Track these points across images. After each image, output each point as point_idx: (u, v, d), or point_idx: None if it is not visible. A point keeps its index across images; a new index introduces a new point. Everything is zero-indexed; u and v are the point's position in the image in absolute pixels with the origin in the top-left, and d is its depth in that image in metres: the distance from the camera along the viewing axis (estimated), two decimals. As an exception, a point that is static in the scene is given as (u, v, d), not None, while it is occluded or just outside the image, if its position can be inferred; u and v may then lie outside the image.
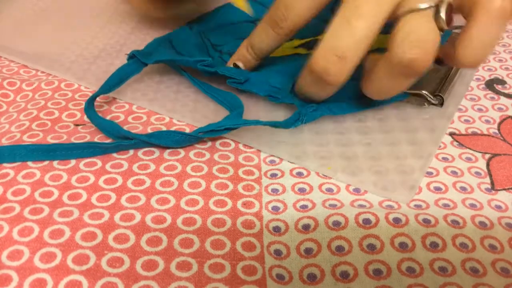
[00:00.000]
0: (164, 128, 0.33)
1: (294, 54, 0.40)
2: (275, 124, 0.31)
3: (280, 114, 0.34)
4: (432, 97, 0.34)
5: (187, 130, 0.33)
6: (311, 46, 0.41)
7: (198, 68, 0.35)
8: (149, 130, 0.33)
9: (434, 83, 0.35)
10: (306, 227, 0.25)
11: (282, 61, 0.39)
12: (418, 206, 0.27)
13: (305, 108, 0.31)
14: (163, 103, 0.35)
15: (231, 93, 0.35)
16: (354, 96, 0.33)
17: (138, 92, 0.37)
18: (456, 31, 0.43)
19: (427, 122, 0.33)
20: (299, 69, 0.34)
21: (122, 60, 0.40)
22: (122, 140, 0.31)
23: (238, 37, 0.42)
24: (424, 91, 0.34)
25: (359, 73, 0.37)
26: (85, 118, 0.34)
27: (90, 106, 0.33)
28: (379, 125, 0.33)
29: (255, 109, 0.35)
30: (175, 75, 0.38)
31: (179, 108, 0.35)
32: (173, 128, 0.33)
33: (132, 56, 0.36)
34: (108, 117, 0.34)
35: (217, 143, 0.32)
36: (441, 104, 0.34)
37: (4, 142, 0.31)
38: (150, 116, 0.35)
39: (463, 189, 0.28)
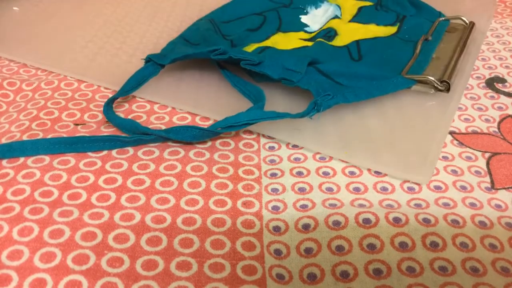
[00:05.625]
0: (167, 117, 0.34)
1: (304, 46, 0.40)
2: (292, 116, 0.31)
3: (296, 104, 0.35)
4: (438, 83, 0.34)
5: (189, 119, 0.34)
6: (314, 39, 0.41)
7: (212, 57, 0.36)
8: (152, 120, 0.34)
9: (439, 70, 0.36)
10: (306, 227, 0.25)
11: (293, 50, 0.40)
12: (418, 205, 0.27)
13: (320, 97, 0.31)
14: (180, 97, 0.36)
15: (256, 86, 0.36)
16: (367, 84, 0.34)
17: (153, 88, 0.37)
18: (455, 21, 0.43)
19: (436, 107, 0.34)
20: (313, 54, 0.36)
21: (122, 57, 0.40)
22: (141, 135, 0.31)
23: (246, 28, 0.43)
24: (430, 77, 0.35)
25: (371, 57, 0.38)
26: (85, 117, 0.34)
27: (108, 108, 0.33)
28: (392, 111, 0.34)
29: (272, 99, 0.35)
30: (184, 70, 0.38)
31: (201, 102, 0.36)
32: (175, 117, 0.34)
33: (148, 60, 0.37)
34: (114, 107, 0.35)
35: (217, 142, 0.32)
36: (447, 90, 0.35)
37: (4, 142, 0.31)
38: (152, 105, 0.35)
39: (463, 188, 0.28)
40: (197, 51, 0.36)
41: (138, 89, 0.36)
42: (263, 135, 0.33)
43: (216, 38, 0.41)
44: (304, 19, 0.45)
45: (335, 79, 0.34)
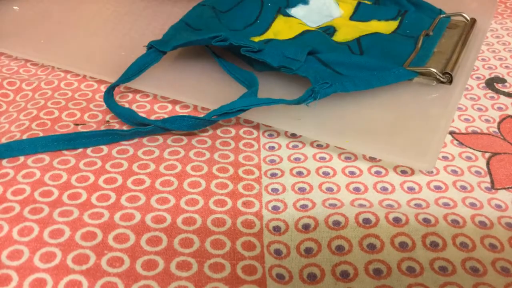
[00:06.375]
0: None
1: (305, 30, 0.40)
2: (287, 102, 0.31)
3: (293, 92, 0.35)
4: (441, 75, 0.35)
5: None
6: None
7: (213, 44, 0.36)
8: (152, 119, 0.33)
9: (441, 63, 0.37)
10: (306, 227, 0.25)
11: (294, 39, 0.40)
12: (418, 205, 0.27)
13: (318, 84, 0.31)
14: (179, 88, 0.36)
15: (251, 73, 0.36)
16: (366, 73, 0.34)
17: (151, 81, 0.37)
18: (456, 18, 0.43)
19: (438, 98, 0.34)
20: (313, 41, 0.36)
21: (122, 53, 0.40)
22: (138, 127, 0.31)
23: (245, 24, 0.42)
24: (433, 69, 0.35)
25: (372, 52, 0.38)
26: (85, 117, 0.34)
27: (109, 96, 0.34)
28: (394, 102, 0.34)
29: (271, 88, 0.35)
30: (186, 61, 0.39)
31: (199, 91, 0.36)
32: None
33: (150, 46, 0.37)
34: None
35: (217, 142, 0.32)
36: (450, 82, 0.35)
37: (4, 142, 0.31)
38: (152, 105, 0.36)
39: (463, 188, 0.28)
40: (199, 38, 0.36)
41: (139, 75, 0.36)
42: (264, 135, 0.33)
43: (219, 27, 0.41)
44: (295, 13, 0.44)
45: (335, 69, 0.34)
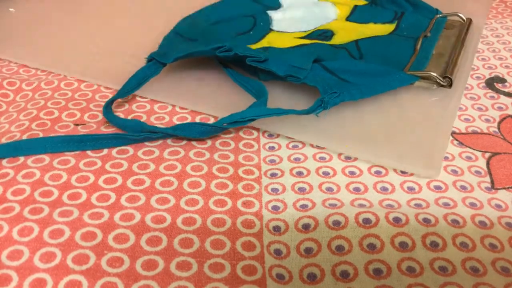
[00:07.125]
0: (167, 117, 0.34)
1: (301, 44, 0.40)
2: (297, 113, 0.31)
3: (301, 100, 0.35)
4: (441, 78, 0.35)
5: (189, 119, 0.34)
6: (313, 36, 0.41)
7: (217, 54, 0.35)
8: (152, 120, 0.34)
9: (440, 66, 0.37)
10: (306, 227, 0.25)
11: (294, 48, 0.39)
12: (418, 205, 0.27)
13: (327, 95, 0.31)
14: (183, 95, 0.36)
15: (258, 82, 0.36)
16: (371, 80, 0.34)
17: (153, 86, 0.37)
18: (451, 18, 0.43)
19: (439, 102, 0.34)
20: (318, 51, 0.36)
21: (121, 57, 0.40)
22: (148, 133, 0.31)
23: (237, 32, 0.42)
24: (433, 73, 0.35)
25: (371, 55, 0.38)
26: (85, 117, 0.34)
27: (108, 111, 0.33)
28: (395, 106, 0.34)
29: (278, 97, 0.35)
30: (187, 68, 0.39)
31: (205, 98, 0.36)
32: (175, 117, 0.34)
33: (151, 59, 0.36)
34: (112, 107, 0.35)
35: (217, 142, 0.32)
36: (449, 85, 0.35)
37: (4, 142, 0.31)
38: (152, 105, 0.35)
39: (463, 188, 0.28)
40: (201, 49, 0.36)
41: (138, 89, 0.36)
42: (263, 135, 0.33)
43: (215, 35, 0.40)
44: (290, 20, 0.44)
45: (340, 76, 0.34)
